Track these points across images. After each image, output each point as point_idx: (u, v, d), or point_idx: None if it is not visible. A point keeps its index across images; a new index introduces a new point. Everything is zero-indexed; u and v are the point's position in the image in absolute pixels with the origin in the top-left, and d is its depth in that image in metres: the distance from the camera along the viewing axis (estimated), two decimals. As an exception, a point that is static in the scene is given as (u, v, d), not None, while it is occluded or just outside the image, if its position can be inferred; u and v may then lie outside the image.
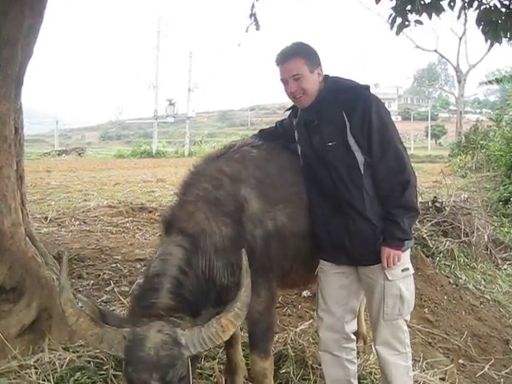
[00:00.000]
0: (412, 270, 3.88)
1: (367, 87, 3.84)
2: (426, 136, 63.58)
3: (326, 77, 3.85)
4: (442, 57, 47.48)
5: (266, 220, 3.77)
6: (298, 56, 3.72)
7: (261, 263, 3.47)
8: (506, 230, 11.08)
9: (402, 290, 3.74)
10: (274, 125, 4.51)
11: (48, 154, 39.69)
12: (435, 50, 45.44)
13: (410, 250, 3.93)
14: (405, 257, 3.81)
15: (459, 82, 45.78)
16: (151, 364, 2.94)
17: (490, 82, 27.16)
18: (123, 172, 21.95)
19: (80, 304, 3.19)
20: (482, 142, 22.76)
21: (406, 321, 3.89)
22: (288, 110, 4.24)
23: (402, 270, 3.76)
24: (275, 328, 4.51)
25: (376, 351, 3.97)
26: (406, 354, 3.86)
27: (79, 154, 40.59)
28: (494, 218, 11.81)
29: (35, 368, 4.08)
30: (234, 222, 3.69)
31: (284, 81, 3.77)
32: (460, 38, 41.82)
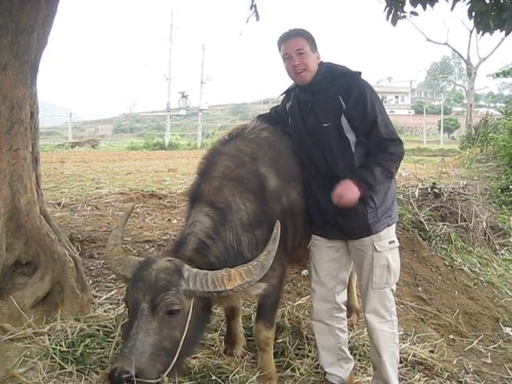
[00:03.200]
0: (397, 243, 4.15)
1: (359, 73, 4.06)
2: (439, 130, 63.05)
3: (320, 62, 4.10)
4: (453, 50, 47.02)
5: (282, 196, 3.99)
6: (300, 35, 3.99)
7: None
8: (505, 216, 11.22)
9: (389, 260, 4.02)
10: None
11: (61, 145, 39.67)
12: (446, 43, 45.12)
13: (395, 224, 4.19)
14: (391, 231, 4.10)
15: (469, 75, 45.48)
16: (147, 283, 3.15)
17: (498, 75, 27.16)
18: (135, 163, 22.03)
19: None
20: (491, 134, 22.79)
21: (393, 290, 4.15)
22: (282, 94, 4.49)
23: (389, 242, 4.04)
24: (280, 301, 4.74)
25: (365, 319, 4.21)
26: (391, 321, 4.13)
27: (92, 146, 40.62)
28: (494, 205, 11.96)
29: (48, 335, 4.30)
30: (258, 199, 3.91)
31: (287, 56, 4.00)
32: (471, 31, 41.37)
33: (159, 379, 3.10)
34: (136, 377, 2.93)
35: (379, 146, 3.91)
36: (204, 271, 3.29)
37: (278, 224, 3.49)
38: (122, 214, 4.16)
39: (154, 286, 3.16)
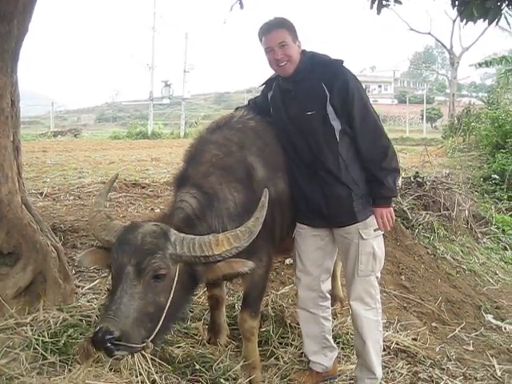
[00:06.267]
0: (382, 231, 4.17)
1: (342, 61, 4.05)
2: (422, 119, 63.31)
3: (303, 51, 4.09)
4: (436, 39, 47.27)
5: (269, 186, 3.90)
6: (281, 27, 3.97)
7: (266, 229, 3.57)
8: (487, 205, 11.33)
9: (374, 247, 4.06)
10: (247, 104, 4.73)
11: (44, 135, 39.36)
12: (429, 33, 45.32)
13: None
14: None
15: (452, 64, 45.78)
16: (133, 246, 3.09)
17: (480, 65, 27.35)
18: (118, 152, 21.85)
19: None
20: (473, 124, 22.98)
21: (377, 278, 4.19)
22: (262, 85, 4.48)
23: (374, 230, 4.06)
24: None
25: (350, 306, 4.24)
26: (376, 309, 4.17)
27: (75, 136, 40.31)
28: (476, 194, 12.08)
29: (31, 325, 4.26)
30: (245, 188, 3.90)
31: (269, 49, 3.98)
32: (454, 21, 41.48)
33: (144, 344, 3.06)
34: (120, 340, 2.90)
35: (370, 144, 3.94)
36: (191, 236, 3.26)
37: (265, 192, 3.48)
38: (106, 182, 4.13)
39: (139, 250, 3.10)
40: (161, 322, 3.13)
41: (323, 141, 3.96)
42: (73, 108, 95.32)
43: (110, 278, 3.34)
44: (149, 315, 3.09)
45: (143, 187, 10.21)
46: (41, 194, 9.17)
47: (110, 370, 3.73)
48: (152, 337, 3.11)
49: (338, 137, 3.95)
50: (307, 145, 4.03)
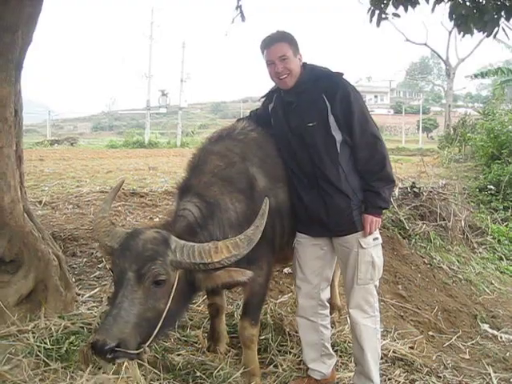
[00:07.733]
0: (381, 240, 4.25)
1: (342, 74, 4.13)
2: (418, 129, 63.53)
3: (304, 64, 4.17)
4: (432, 50, 47.67)
5: (270, 197, 3.92)
6: (283, 40, 4.04)
7: (266, 239, 3.62)
8: (483, 215, 11.40)
9: (373, 256, 4.12)
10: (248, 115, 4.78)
11: (40, 143, 39.33)
12: (425, 44, 45.60)
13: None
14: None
15: (448, 75, 46.06)
16: (134, 252, 3.15)
17: (476, 76, 27.62)
18: (115, 161, 21.81)
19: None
20: (469, 134, 23.11)
21: (376, 286, 4.25)
22: (263, 97, 4.55)
23: (374, 239, 4.14)
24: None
25: (349, 314, 4.30)
26: (374, 317, 4.22)
27: (71, 144, 40.32)
28: (472, 204, 12.14)
29: (33, 332, 4.28)
30: (247, 199, 3.95)
31: (270, 62, 4.06)
32: (450, 32, 41.82)
33: (141, 350, 3.11)
34: (118, 347, 2.95)
35: (369, 155, 4.02)
36: (191, 243, 3.31)
37: (266, 200, 3.53)
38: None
39: (140, 256, 3.16)
40: (158, 328, 3.18)
41: (324, 151, 4.03)
42: (69, 116, 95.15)
43: (110, 285, 3.39)
44: (147, 320, 3.14)
45: (141, 196, 10.22)
46: (40, 202, 9.17)
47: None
48: (149, 342, 3.16)
49: (338, 147, 4.02)
50: (308, 155, 4.09)
